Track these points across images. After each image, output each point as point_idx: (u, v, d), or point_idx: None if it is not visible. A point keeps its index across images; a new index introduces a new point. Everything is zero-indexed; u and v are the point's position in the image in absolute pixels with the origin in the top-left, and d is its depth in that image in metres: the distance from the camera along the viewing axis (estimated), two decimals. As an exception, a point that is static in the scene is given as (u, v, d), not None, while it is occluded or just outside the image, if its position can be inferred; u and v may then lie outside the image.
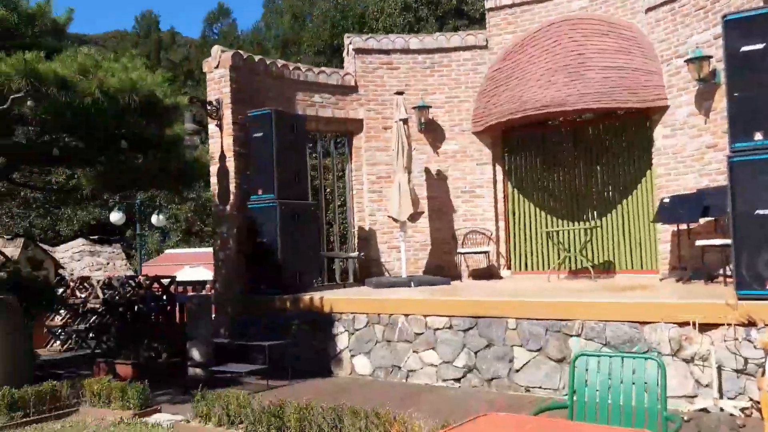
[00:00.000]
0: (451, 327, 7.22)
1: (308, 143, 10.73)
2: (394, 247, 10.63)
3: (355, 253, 10.38)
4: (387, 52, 10.96)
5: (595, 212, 10.48)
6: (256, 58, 9.65)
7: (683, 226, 8.69)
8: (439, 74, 11.02)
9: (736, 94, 6.03)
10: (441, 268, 10.83)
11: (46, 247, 15.94)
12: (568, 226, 10.61)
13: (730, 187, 6.02)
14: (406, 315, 7.66)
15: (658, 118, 9.39)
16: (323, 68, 10.63)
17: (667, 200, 8.69)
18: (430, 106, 10.82)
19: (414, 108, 10.75)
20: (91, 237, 17.67)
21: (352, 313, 8.09)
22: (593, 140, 10.61)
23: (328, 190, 13.26)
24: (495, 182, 10.94)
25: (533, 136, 11.11)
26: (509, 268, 10.96)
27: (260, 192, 9.06)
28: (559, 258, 10.27)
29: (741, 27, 6.04)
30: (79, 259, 16.17)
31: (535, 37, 10.53)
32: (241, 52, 9.47)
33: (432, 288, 9.26)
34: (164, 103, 6.37)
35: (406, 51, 10.98)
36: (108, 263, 16.58)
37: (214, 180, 9.42)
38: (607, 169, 10.41)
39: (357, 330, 7.97)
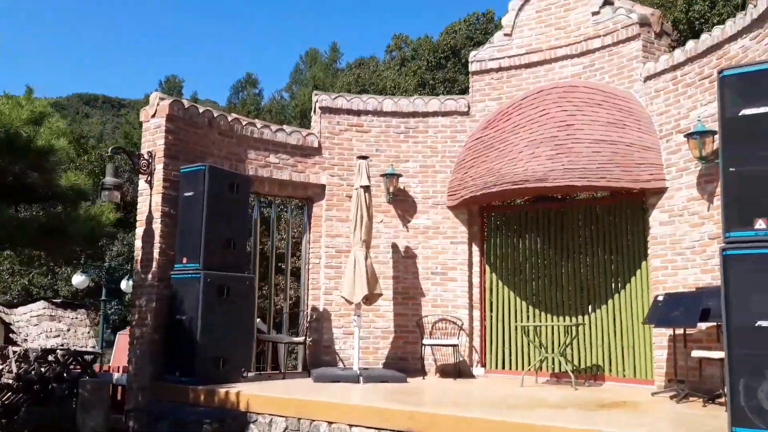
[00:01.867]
0: (376, 443, 5.76)
1: (255, 207, 9.56)
2: (350, 332, 9.23)
3: (300, 338, 8.99)
4: (357, 113, 9.87)
5: (583, 307, 9.02)
6: (201, 109, 8.59)
7: (680, 331, 7.21)
8: (414, 140, 9.87)
9: (732, 169, 4.72)
10: (404, 360, 9.37)
11: (1, 308, 14.79)
12: (552, 320, 9.14)
13: (724, 289, 4.62)
14: (330, 423, 6.22)
15: (654, 201, 8.06)
16: (283, 126, 9.55)
17: (660, 298, 7.26)
18: (401, 175, 9.62)
19: (383, 176, 9.56)
20: (54, 300, 16.47)
21: (270, 414, 6.66)
22: (584, 224, 9.27)
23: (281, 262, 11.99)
24: (471, 264, 9.58)
25: (516, 216, 9.81)
26: (484, 365, 9.45)
27: (185, 260, 7.81)
28: (537, 358, 8.76)
29: (742, 85, 4.79)
30: (37, 324, 14.95)
31: (521, 104, 9.38)
32: (183, 101, 8.42)
33: (384, 386, 7.82)
34: (35, 144, 5.24)
35: (378, 113, 9.89)
36: (69, 330, 15.33)
37: (138, 244, 8.22)
38: (599, 257, 9.01)
39: (271, 436, 6.53)
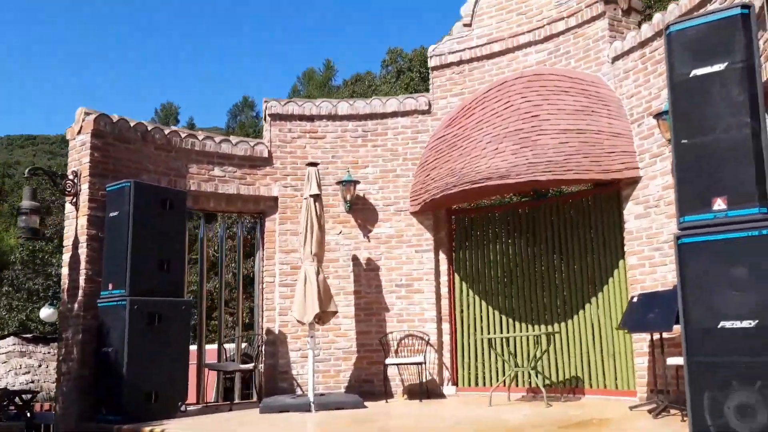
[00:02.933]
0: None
1: (201, 225, 8.86)
2: (307, 355, 8.44)
3: (249, 365, 8.21)
4: (310, 118, 9.16)
5: (559, 314, 8.20)
6: (132, 122, 7.92)
7: (658, 336, 6.38)
8: (373, 144, 9.13)
9: (684, 141, 3.94)
10: (368, 382, 8.58)
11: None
12: (528, 330, 8.32)
13: (681, 284, 3.83)
14: (257, 461, 5.46)
15: (629, 192, 7.27)
16: (228, 137, 8.85)
17: (636, 300, 6.44)
18: (359, 182, 8.87)
19: (339, 183, 8.82)
20: (25, 336, 15.81)
21: (195, 453, 5.91)
22: (556, 223, 8.47)
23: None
24: (438, 274, 8.80)
25: (484, 219, 9.03)
26: (455, 383, 8.62)
27: (111, 287, 7.10)
28: (507, 373, 7.92)
29: (693, 41, 4.02)
30: (6, 361, 14.29)
31: (485, 98, 8.63)
32: (110, 115, 7.74)
33: (337, 414, 7.04)
34: None
35: (333, 117, 9.17)
36: (40, 365, 14.65)
37: (65, 271, 7.53)
38: (574, 258, 8.20)
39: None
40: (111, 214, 7.24)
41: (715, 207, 3.76)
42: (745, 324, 3.57)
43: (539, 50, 8.47)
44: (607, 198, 7.92)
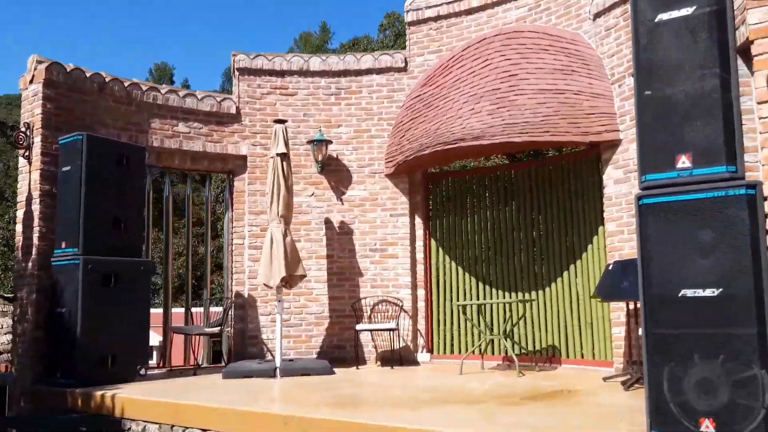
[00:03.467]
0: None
1: (166, 184, 8.54)
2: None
3: (214, 329, 7.95)
4: (281, 74, 8.76)
5: (537, 281, 7.92)
6: (88, 72, 7.53)
7: (633, 305, 6.11)
8: (346, 102, 8.76)
9: (647, 93, 3.59)
10: (341, 348, 8.34)
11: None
12: (505, 297, 8.06)
13: (640, 249, 3.52)
14: (204, 430, 5.22)
15: (608, 156, 6.92)
16: (193, 91, 8.46)
17: (611, 267, 6.14)
18: (331, 141, 8.52)
19: (310, 143, 8.48)
20: (7, 296, 15.52)
21: (144, 420, 5.65)
22: (537, 187, 8.14)
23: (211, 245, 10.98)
24: (413, 238, 8.50)
25: (461, 182, 8.70)
26: (431, 350, 8.39)
27: (64, 245, 6.80)
28: (479, 341, 7.67)
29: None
30: (-7, 320, 14.01)
31: (463, 55, 8.23)
32: (65, 64, 7.35)
33: (302, 380, 6.81)
34: None
35: (304, 73, 8.77)
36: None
37: (18, 228, 7.22)
38: (554, 225, 7.90)
39: (143, 446, 5.54)
40: (63, 169, 6.90)
41: (679, 165, 3.43)
42: (708, 292, 3.27)
43: (519, 6, 8.05)
44: (587, 162, 7.59)
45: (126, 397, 5.88)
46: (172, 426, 5.44)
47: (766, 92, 3.19)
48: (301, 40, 54.86)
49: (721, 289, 3.26)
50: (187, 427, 5.33)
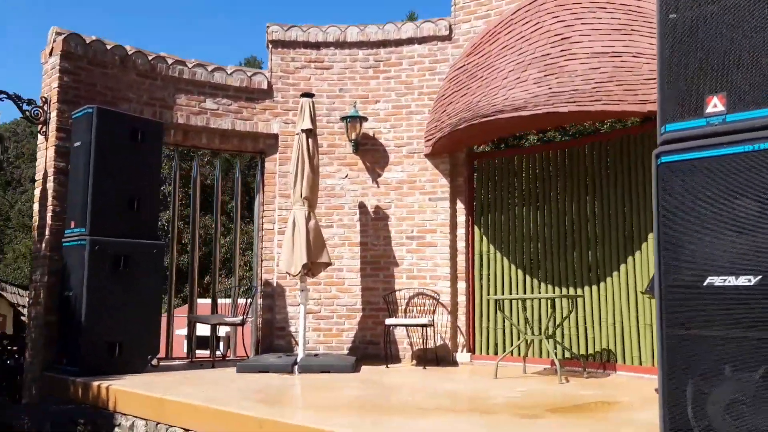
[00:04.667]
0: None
1: (195, 165, 8.12)
2: (310, 311, 7.63)
3: (237, 318, 7.44)
4: (317, 45, 8.16)
5: (591, 275, 6.94)
6: (110, 44, 7.19)
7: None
8: (385, 75, 8.05)
9: (672, 16, 2.70)
10: (374, 344, 7.68)
11: (10, 288, 14.24)
12: (556, 292, 7.13)
13: (657, 224, 2.65)
14: (186, 430, 4.70)
15: (672, 127, 5.87)
16: (222, 66, 7.99)
17: (666, 258, 5.14)
18: (366, 119, 7.84)
19: (343, 119, 7.84)
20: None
21: (132, 416, 5.22)
22: (594, 167, 7.15)
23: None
24: (454, 225, 7.70)
25: (508, 162, 7.80)
26: (471, 350, 7.58)
27: (73, 224, 6.47)
28: (519, 340, 6.76)
29: None
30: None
31: (512, 20, 7.33)
32: (84, 36, 7.03)
33: (318, 377, 6.21)
34: None
35: (341, 44, 8.13)
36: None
37: (35, 208, 6.99)
38: (608, 209, 6.89)
39: (126, 442, 5.10)
40: (75, 144, 6.59)
41: (710, 109, 2.53)
42: (743, 281, 2.38)
43: (578, -41, 7.06)
44: (649, 136, 6.55)
45: (119, 389, 5.46)
46: (157, 423, 4.96)
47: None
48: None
49: (760, 277, 2.36)
50: (171, 425, 4.83)
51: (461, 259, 7.66)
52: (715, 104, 2.52)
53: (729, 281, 2.40)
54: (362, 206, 7.88)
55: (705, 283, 2.45)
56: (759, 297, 2.34)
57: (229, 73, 7.92)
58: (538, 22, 7.00)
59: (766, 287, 2.33)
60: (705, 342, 2.48)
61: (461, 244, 7.68)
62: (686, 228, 2.54)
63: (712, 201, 2.50)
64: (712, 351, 2.47)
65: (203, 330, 10.57)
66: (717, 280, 2.42)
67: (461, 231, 7.70)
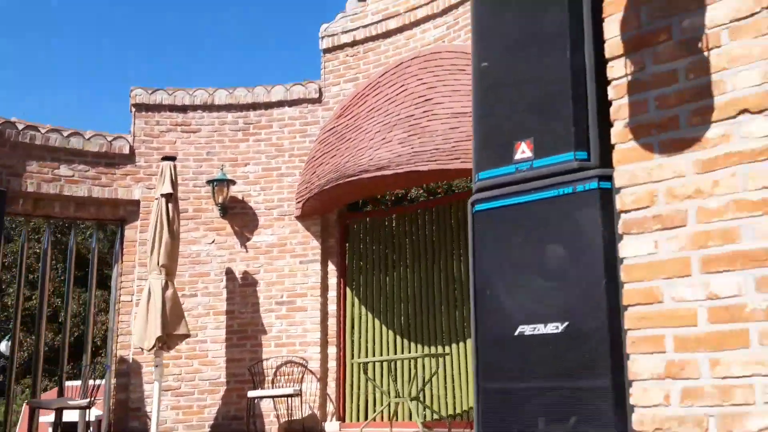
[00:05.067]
0: None
1: (46, 234, 7.58)
2: (166, 388, 7.10)
3: (83, 401, 6.81)
4: (183, 109, 7.92)
5: (455, 334, 6.86)
6: (-52, 107, 6.67)
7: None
8: (255, 138, 7.88)
9: (484, 64, 2.68)
10: (239, 419, 7.21)
11: None
12: (420, 352, 6.98)
13: (473, 273, 2.54)
14: None
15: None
16: (79, 130, 7.58)
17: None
18: (234, 182, 7.60)
19: (209, 182, 7.56)
20: None
21: None
22: (461, 224, 7.17)
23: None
24: (325, 288, 7.49)
25: (379, 222, 7.75)
26: (341, 418, 7.26)
27: None
28: (383, 405, 6.53)
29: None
30: None
31: (379, 82, 7.41)
32: None
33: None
34: None
35: (209, 107, 7.93)
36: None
37: None
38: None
39: None
40: None
41: (518, 155, 2.49)
42: (551, 328, 2.28)
43: (438, 25, 7.27)
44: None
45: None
46: None
47: (619, 43, 2.27)
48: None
49: (567, 323, 2.26)
50: None
51: (332, 322, 7.42)
52: (524, 150, 2.48)
53: (538, 329, 2.30)
54: (229, 272, 7.54)
55: (516, 333, 2.34)
56: (567, 344, 2.24)
57: (87, 138, 7.52)
58: (403, 85, 7.10)
59: (574, 333, 2.24)
60: (520, 394, 2.35)
61: (332, 307, 7.46)
62: (498, 277, 2.44)
63: (521, 247, 2.42)
64: (529, 403, 2.34)
65: (72, 415, 9.69)
66: (528, 329, 2.32)
67: (332, 293, 7.49)
